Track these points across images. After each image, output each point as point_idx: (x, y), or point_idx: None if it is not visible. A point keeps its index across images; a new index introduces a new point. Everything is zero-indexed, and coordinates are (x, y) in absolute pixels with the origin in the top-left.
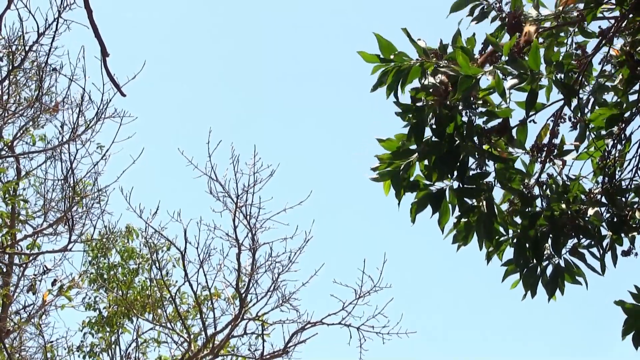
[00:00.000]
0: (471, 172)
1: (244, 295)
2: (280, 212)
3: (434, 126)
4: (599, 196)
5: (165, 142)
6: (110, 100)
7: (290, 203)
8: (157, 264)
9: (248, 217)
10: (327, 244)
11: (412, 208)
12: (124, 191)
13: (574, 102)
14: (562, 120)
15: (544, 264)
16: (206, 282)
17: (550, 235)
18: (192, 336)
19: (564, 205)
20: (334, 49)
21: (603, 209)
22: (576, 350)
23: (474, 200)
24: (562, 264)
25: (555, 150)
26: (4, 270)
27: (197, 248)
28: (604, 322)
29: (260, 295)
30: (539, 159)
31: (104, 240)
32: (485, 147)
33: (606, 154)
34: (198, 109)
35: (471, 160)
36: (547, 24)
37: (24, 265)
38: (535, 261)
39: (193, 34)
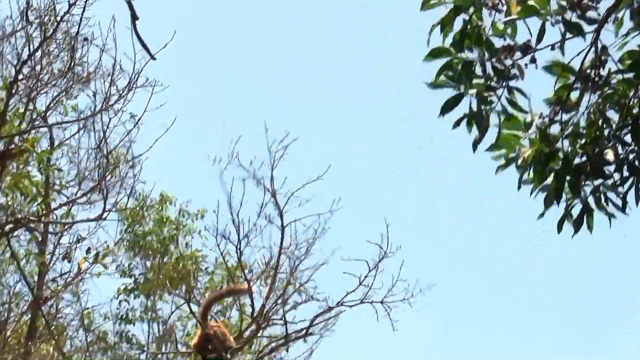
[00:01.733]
0: None
1: (272, 281)
2: (299, 188)
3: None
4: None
5: (195, 111)
6: (141, 70)
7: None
8: (190, 236)
9: (273, 193)
10: (338, 221)
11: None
12: (156, 160)
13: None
14: None
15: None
16: (240, 261)
17: (568, 178)
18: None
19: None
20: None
21: (627, 148)
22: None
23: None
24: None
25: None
26: (40, 239)
27: (233, 222)
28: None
29: (281, 280)
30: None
31: (139, 208)
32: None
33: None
34: (228, 79)
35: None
36: None
37: (59, 234)
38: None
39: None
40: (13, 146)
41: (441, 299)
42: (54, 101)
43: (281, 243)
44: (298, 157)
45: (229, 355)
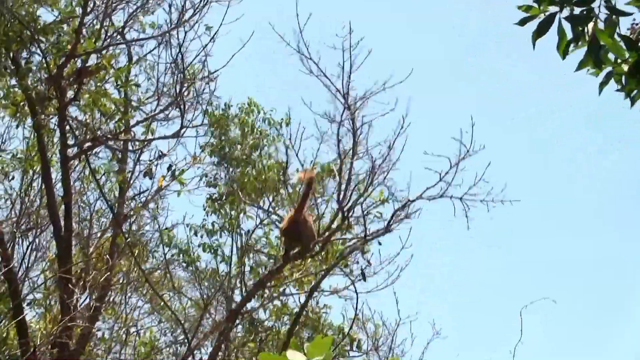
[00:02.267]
0: None
1: (344, 186)
2: (380, 91)
3: None
4: None
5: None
6: None
7: (390, 83)
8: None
9: (346, 96)
10: (419, 119)
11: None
12: (233, 74)
13: None
14: None
15: None
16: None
17: None
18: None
19: None
20: None
21: None
22: None
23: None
24: None
25: None
26: (119, 156)
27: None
28: None
29: (361, 182)
30: None
31: (220, 119)
32: None
33: None
34: None
35: None
36: None
37: (139, 151)
38: None
39: None
40: (90, 64)
41: (520, 210)
42: (131, 17)
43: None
44: (378, 61)
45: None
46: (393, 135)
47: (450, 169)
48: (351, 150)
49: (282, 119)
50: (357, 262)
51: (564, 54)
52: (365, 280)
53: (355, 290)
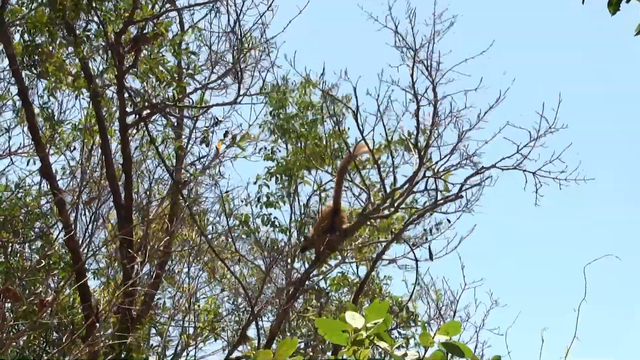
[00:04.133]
0: None
1: (422, 150)
2: (461, 62)
3: None
4: None
5: None
6: None
7: (473, 54)
8: (334, 118)
9: (429, 68)
10: (503, 87)
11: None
12: (292, 43)
13: None
14: None
15: None
16: (385, 131)
17: None
18: (371, 190)
19: None
20: None
21: None
22: None
23: None
24: None
25: None
26: (176, 123)
27: (376, 99)
28: None
29: (442, 151)
30: None
31: (276, 91)
32: None
33: None
34: None
35: None
36: None
37: (195, 118)
38: None
39: None
40: (146, 31)
41: (597, 191)
42: None
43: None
44: (459, 33)
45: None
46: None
47: (529, 142)
48: (431, 121)
49: (344, 96)
50: (424, 237)
51: (614, 10)
52: (432, 259)
53: (415, 259)
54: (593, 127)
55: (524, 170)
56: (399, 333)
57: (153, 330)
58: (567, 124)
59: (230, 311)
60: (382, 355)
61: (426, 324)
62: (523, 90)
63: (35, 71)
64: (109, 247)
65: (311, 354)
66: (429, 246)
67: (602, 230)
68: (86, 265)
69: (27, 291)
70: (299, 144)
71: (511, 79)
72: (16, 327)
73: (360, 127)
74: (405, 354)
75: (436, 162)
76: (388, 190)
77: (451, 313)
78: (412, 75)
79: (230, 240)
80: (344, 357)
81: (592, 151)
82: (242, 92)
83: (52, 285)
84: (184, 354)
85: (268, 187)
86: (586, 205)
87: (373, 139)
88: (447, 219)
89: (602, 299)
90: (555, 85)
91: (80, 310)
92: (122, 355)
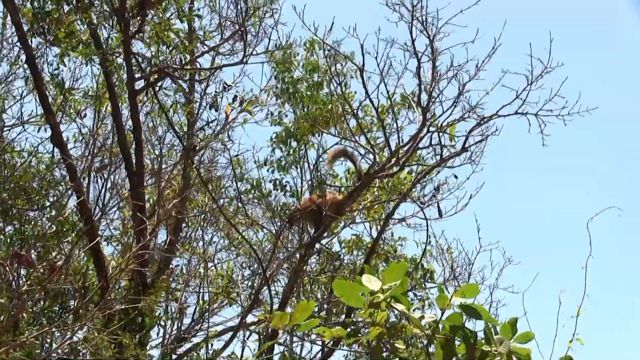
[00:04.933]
0: None
1: (425, 106)
2: (457, 14)
3: None
4: None
5: None
6: None
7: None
8: (337, 77)
9: (425, 24)
10: (496, 34)
11: None
12: (296, 8)
13: None
14: None
15: None
16: (387, 93)
17: None
18: (376, 149)
19: None
20: None
21: None
22: None
23: None
24: None
25: None
26: (186, 89)
27: (375, 58)
28: None
29: (444, 106)
30: None
31: (283, 52)
32: None
33: None
34: None
35: None
36: None
37: (205, 83)
38: None
39: None
40: None
41: (601, 123)
42: None
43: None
44: None
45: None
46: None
47: (527, 86)
48: (431, 74)
49: (347, 53)
50: (433, 195)
51: None
52: (441, 216)
53: (425, 217)
54: (587, 58)
55: (526, 114)
56: (415, 295)
57: (169, 297)
58: (562, 62)
59: (244, 276)
60: (399, 318)
61: (442, 286)
62: (518, 36)
63: (45, 38)
64: (121, 214)
65: (326, 317)
66: (438, 203)
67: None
68: (99, 232)
69: (40, 258)
70: (305, 108)
71: (506, 26)
72: (29, 294)
73: (365, 86)
74: (422, 316)
75: (439, 117)
76: (393, 149)
77: (466, 275)
78: (411, 32)
79: (241, 205)
80: (360, 319)
81: (591, 82)
82: (248, 52)
83: (65, 251)
84: (201, 320)
85: (281, 150)
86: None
87: (378, 98)
88: (454, 175)
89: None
90: (547, 25)
91: (94, 276)
92: (136, 320)
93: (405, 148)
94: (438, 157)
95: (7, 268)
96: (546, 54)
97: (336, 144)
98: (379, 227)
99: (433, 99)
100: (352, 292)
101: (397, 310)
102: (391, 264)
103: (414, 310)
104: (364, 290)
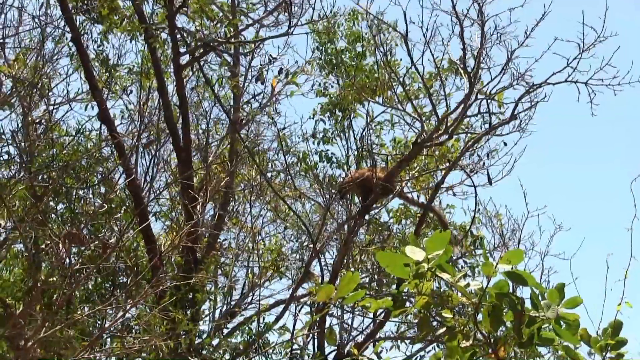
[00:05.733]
0: None
1: (473, 73)
2: None
3: None
4: None
5: None
6: None
7: None
8: (382, 47)
9: None
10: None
11: None
12: None
13: None
14: None
15: None
16: (433, 59)
17: None
18: (423, 117)
19: None
20: None
21: None
22: None
23: None
24: None
25: None
26: (231, 62)
27: (420, 27)
28: None
29: (492, 73)
30: None
31: (327, 22)
32: None
33: None
34: None
35: None
36: None
37: (250, 56)
38: None
39: None
40: None
41: None
42: None
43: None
44: None
45: None
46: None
47: (579, 54)
48: (479, 41)
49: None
50: (482, 162)
51: None
52: (490, 183)
53: (474, 185)
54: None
55: (576, 82)
56: (465, 262)
57: (219, 272)
58: (616, 32)
59: (293, 249)
60: (445, 287)
61: (488, 253)
62: (569, 3)
63: (90, 15)
64: (170, 190)
65: (376, 288)
66: (487, 170)
67: None
68: (149, 209)
69: (91, 236)
70: (350, 78)
71: None
72: (83, 271)
73: (410, 53)
74: (468, 285)
75: (487, 84)
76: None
77: (515, 241)
78: None
79: (289, 177)
80: (407, 290)
81: None
82: (292, 23)
83: (115, 229)
84: (251, 294)
85: (324, 122)
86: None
87: (423, 65)
88: (503, 142)
89: None
90: None
91: (144, 253)
92: (187, 296)
93: (453, 116)
94: (487, 125)
95: (61, 246)
96: (600, 22)
97: (383, 112)
98: (427, 196)
99: (481, 66)
100: (396, 263)
101: (443, 279)
102: (434, 233)
103: (460, 279)
104: (409, 261)
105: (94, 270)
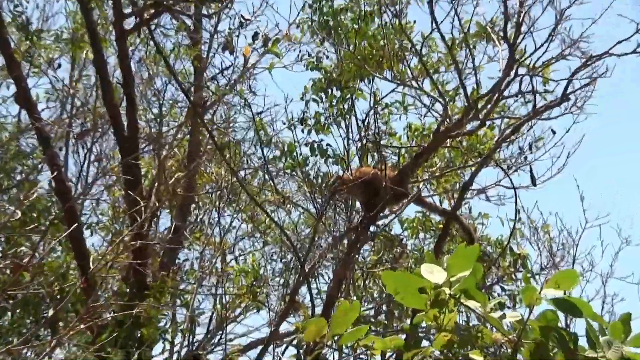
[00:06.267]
0: None
1: (512, 41)
2: None
3: None
4: None
5: None
6: None
7: None
8: (393, 6)
9: None
10: None
11: None
12: None
13: None
14: None
15: None
16: (459, 21)
17: None
18: (447, 97)
19: None
20: None
21: None
22: None
23: None
24: None
25: None
26: (191, 27)
27: None
28: None
29: (537, 40)
30: None
31: None
32: None
33: None
34: None
35: None
36: None
37: (215, 18)
38: None
39: None
40: None
41: None
42: None
43: None
44: None
45: None
46: None
47: None
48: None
49: None
50: (523, 156)
51: None
52: (534, 183)
53: (513, 186)
54: None
55: None
56: (502, 289)
57: (177, 302)
58: None
59: (276, 271)
60: (473, 319)
61: (531, 275)
62: None
63: None
64: (112, 194)
65: (384, 322)
66: (531, 167)
67: None
68: (82, 219)
69: (4, 253)
70: (350, 47)
71: None
72: None
73: (432, 9)
74: (504, 316)
75: (530, 55)
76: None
77: (569, 260)
78: None
79: (268, 177)
80: (423, 324)
81: None
82: None
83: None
84: (219, 331)
85: (318, 104)
86: None
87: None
88: (552, 129)
89: None
90: None
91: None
92: (134, 333)
93: (487, 97)
94: (530, 108)
95: None
96: None
97: (393, 90)
98: (452, 201)
99: (521, 31)
100: (409, 288)
101: (471, 309)
102: (458, 247)
103: (494, 309)
104: (425, 285)
105: (7, 300)
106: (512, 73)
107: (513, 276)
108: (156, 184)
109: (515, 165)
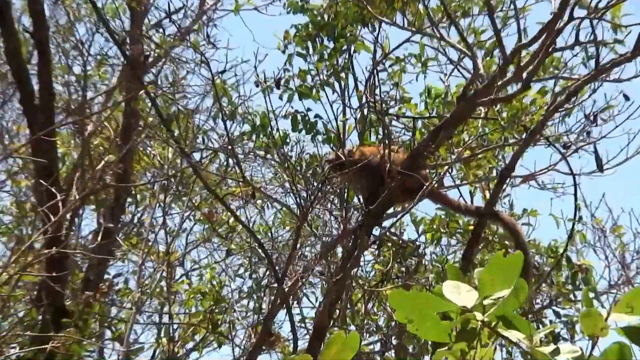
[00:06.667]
0: None
1: None
2: None
3: None
4: None
5: None
6: None
7: None
8: None
9: None
10: None
11: None
12: None
13: None
14: None
15: None
16: None
17: None
18: (479, 49)
19: None
20: None
21: None
22: None
23: None
24: None
25: None
26: None
27: None
28: None
29: None
30: None
31: None
32: None
33: None
34: None
35: None
36: None
37: None
38: None
39: None
40: None
41: None
42: None
43: None
44: None
45: None
46: None
47: None
48: None
49: None
50: (585, 132)
51: None
52: (601, 169)
53: (572, 172)
54: None
55: None
56: (556, 314)
57: (107, 333)
58: None
59: (243, 291)
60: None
61: (593, 296)
62: None
63: None
64: (17, 183)
65: (393, 358)
66: (595, 147)
67: None
68: None
69: None
70: None
71: None
72: None
73: None
74: (557, 351)
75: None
76: (508, 50)
77: None
78: None
79: (233, 161)
80: None
81: None
82: None
83: None
84: None
85: (305, 59)
86: None
87: None
88: (624, 94)
89: None
90: None
91: None
92: None
93: (532, 48)
94: (592, 64)
95: None
96: None
97: (407, 40)
98: (487, 194)
99: None
100: (425, 312)
101: (511, 342)
102: (494, 256)
103: (545, 341)
104: (449, 309)
105: None
106: (567, 16)
107: (571, 296)
108: (78, 170)
109: (575, 143)
